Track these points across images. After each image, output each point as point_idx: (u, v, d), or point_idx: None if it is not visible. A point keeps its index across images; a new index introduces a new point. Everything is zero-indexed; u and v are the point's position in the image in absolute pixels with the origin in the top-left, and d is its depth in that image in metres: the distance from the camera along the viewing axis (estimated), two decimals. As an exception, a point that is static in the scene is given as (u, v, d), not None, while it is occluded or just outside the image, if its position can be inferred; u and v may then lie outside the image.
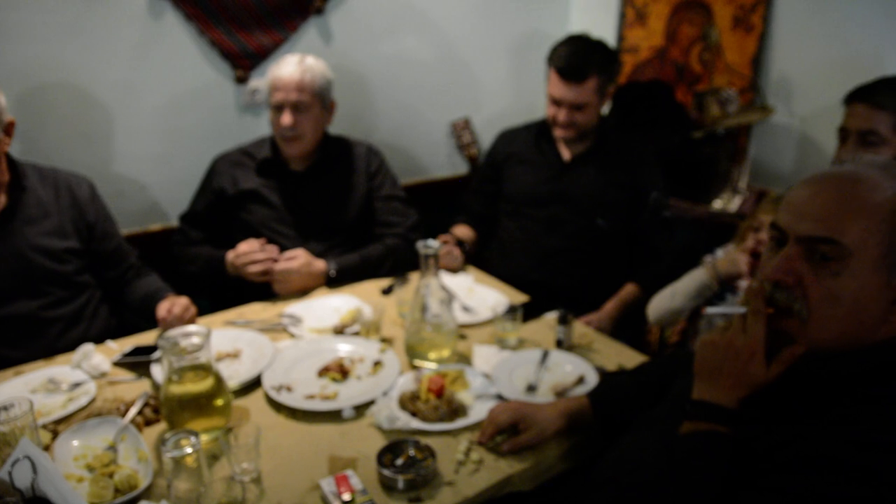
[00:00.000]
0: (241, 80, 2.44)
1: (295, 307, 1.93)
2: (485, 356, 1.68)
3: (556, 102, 2.19)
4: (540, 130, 2.35)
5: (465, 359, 1.68)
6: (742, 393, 0.97)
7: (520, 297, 2.00)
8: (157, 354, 1.60)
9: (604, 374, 1.56)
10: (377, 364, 1.63)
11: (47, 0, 2.05)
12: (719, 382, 0.98)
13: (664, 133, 2.54)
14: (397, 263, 2.15)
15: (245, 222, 2.20)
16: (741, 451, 0.94)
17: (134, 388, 1.56)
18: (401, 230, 2.24)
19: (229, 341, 1.73)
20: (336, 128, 2.31)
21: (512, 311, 1.72)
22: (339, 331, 1.80)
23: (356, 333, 1.78)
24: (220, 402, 1.36)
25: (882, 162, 0.97)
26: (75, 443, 1.33)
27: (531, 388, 1.54)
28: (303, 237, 2.19)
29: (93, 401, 1.51)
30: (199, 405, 1.33)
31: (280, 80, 2.08)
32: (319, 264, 2.07)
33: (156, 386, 1.55)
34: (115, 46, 2.19)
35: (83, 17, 2.12)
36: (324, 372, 1.59)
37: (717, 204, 2.50)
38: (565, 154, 2.30)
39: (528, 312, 1.82)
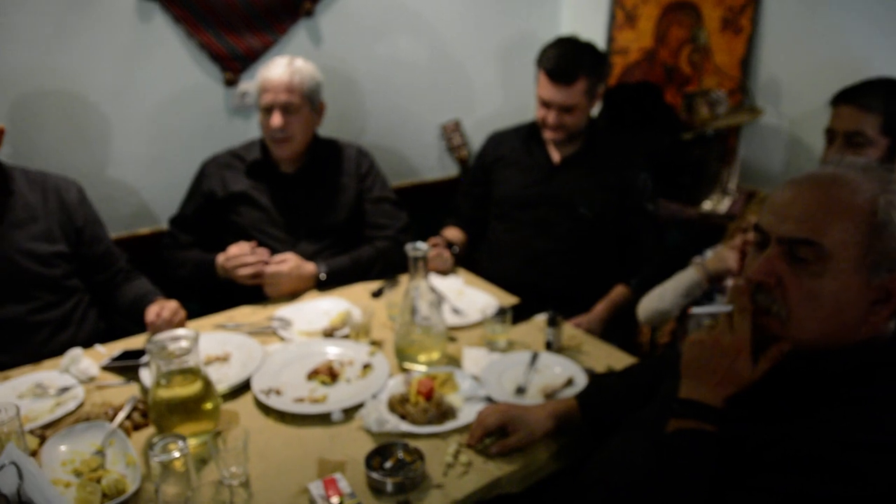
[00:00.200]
0: (231, 82, 2.43)
1: (285, 310, 1.93)
2: (474, 358, 1.68)
3: (546, 104, 2.19)
4: (529, 132, 2.36)
5: (454, 361, 1.68)
6: (729, 391, 0.98)
7: (509, 300, 2.00)
8: (145, 358, 1.59)
9: (593, 376, 1.57)
10: (366, 367, 1.63)
11: (35, 4, 2.04)
12: (706, 380, 0.99)
13: (654, 135, 2.54)
14: (387, 266, 2.15)
15: (235, 225, 2.19)
16: (729, 450, 0.94)
17: (122, 393, 1.55)
18: (391, 232, 2.24)
19: (218, 344, 1.73)
20: (326, 130, 2.31)
21: (501, 313, 1.72)
22: (329, 334, 1.80)
23: (346, 336, 1.78)
24: (208, 405, 1.36)
25: (863, 164, 0.98)
26: (63, 448, 1.33)
27: (520, 391, 1.54)
28: (293, 239, 2.19)
29: (81, 405, 1.50)
30: (188, 409, 1.33)
31: (269, 81, 2.08)
32: (309, 267, 2.07)
33: (144, 390, 1.55)
34: (103, 50, 2.18)
35: (71, 20, 2.11)
36: (313, 375, 1.59)
37: (707, 205, 2.51)
38: (555, 156, 2.31)
39: (518, 314, 1.82)
